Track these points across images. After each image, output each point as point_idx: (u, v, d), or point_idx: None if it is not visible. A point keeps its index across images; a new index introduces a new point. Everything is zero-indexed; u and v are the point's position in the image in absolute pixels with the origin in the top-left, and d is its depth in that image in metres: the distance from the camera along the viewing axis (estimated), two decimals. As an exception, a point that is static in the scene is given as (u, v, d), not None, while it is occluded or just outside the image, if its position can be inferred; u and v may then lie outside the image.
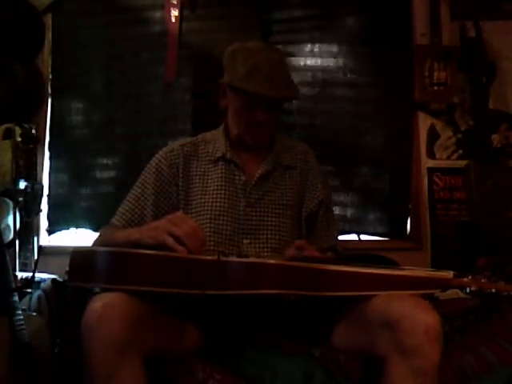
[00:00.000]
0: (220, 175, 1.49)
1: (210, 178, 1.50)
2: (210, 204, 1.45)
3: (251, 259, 1.23)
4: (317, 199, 1.55)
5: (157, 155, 1.54)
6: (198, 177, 1.50)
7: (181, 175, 1.49)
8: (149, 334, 1.13)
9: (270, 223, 1.46)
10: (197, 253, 1.16)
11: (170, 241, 1.16)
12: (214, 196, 1.46)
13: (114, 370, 1.06)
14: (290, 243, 1.45)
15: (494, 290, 1.18)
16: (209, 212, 1.44)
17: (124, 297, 1.10)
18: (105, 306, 1.08)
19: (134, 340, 1.08)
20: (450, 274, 1.20)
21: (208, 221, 1.43)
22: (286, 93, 1.47)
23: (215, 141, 1.55)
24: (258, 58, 1.44)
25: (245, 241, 1.43)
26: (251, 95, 1.41)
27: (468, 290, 1.19)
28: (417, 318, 1.09)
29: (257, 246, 1.43)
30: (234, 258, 1.20)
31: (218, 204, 1.45)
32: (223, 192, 1.47)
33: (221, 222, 1.43)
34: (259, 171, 1.50)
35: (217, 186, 1.48)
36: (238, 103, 1.46)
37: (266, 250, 1.42)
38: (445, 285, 1.20)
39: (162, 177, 1.49)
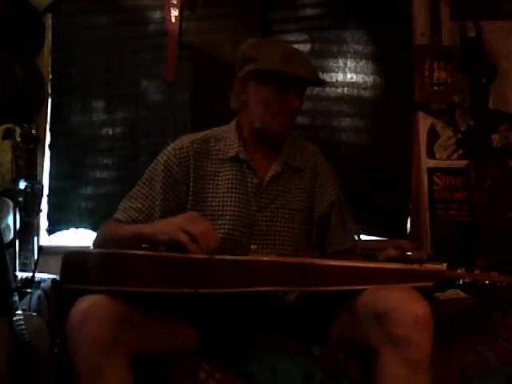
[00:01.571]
0: (232, 176, 1.46)
1: (221, 178, 1.46)
2: (221, 207, 1.43)
3: (244, 257, 1.23)
4: (327, 202, 1.53)
5: (165, 151, 1.48)
6: (208, 177, 1.46)
7: (191, 174, 1.44)
8: (135, 334, 1.13)
9: (278, 228, 1.44)
10: (209, 252, 1.16)
11: (184, 238, 1.16)
12: (226, 199, 1.43)
13: (98, 371, 1.06)
14: (297, 249, 1.45)
15: (487, 282, 1.18)
16: (220, 216, 1.42)
17: (108, 298, 1.10)
18: (89, 307, 1.08)
19: (118, 340, 1.08)
20: (443, 265, 1.20)
21: (219, 225, 1.40)
22: (318, 76, 1.55)
23: (226, 138, 1.51)
24: (285, 46, 1.50)
25: (252, 246, 1.41)
26: (288, 78, 1.41)
27: (461, 281, 1.19)
28: (405, 308, 1.09)
29: (264, 251, 1.40)
30: (227, 256, 1.19)
31: (229, 208, 1.42)
32: (234, 195, 1.44)
33: (231, 227, 1.41)
34: (269, 174, 1.47)
35: (228, 188, 1.44)
36: (270, 91, 1.43)
37: (272, 255, 1.41)
38: (438, 277, 1.20)
39: (171, 175, 1.44)
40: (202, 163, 1.47)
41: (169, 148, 1.49)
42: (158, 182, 1.45)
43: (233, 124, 1.54)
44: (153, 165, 1.49)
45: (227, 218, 1.42)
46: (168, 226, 1.21)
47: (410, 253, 1.26)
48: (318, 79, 1.58)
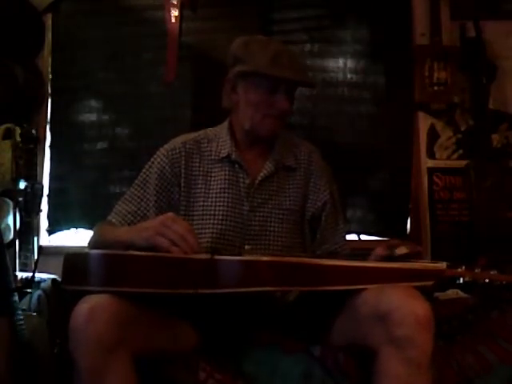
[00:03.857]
0: (224, 177, 1.46)
1: (213, 178, 1.47)
2: (213, 207, 1.43)
3: (244, 257, 1.23)
4: (320, 202, 1.53)
5: (158, 153, 1.50)
6: (200, 177, 1.47)
7: (183, 175, 1.46)
8: (138, 333, 1.12)
9: (272, 229, 1.45)
10: (192, 253, 1.16)
11: (164, 243, 1.15)
12: (218, 199, 1.44)
13: (103, 370, 1.06)
14: (291, 249, 1.44)
15: (487, 280, 1.18)
16: (212, 216, 1.42)
17: (111, 298, 1.09)
18: (93, 306, 1.07)
19: (122, 339, 1.07)
20: (443, 264, 1.20)
21: (211, 225, 1.41)
22: (308, 77, 1.52)
23: (218, 139, 1.51)
24: (275, 46, 1.47)
25: (246, 247, 1.41)
26: (277, 81, 1.41)
27: (461, 280, 1.19)
28: (406, 308, 1.08)
29: (258, 252, 1.40)
30: (227, 256, 1.18)
31: (221, 208, 1.43)
32: (227, 195, 1.44)
33: (224, 227, 1.41)
34: (261, 174, 1.48)
35: (220, 188, 1.45)
36: (258, 93, 1.43)
37: (267, 256, 1.41)
38: (438, 276, 1.19)
39: (165, 177, 1.46)
40: (193, 164, 1.48)
41: (162, 150, 1.50)
42: (151, 184, 1.46)
43: (225, 124, 1.54)
44: (147, 167, 1.50)
45: (219, 218, 1.42)
46: (146, 232, 1.19)
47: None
48: (308, 80, 1.56)
